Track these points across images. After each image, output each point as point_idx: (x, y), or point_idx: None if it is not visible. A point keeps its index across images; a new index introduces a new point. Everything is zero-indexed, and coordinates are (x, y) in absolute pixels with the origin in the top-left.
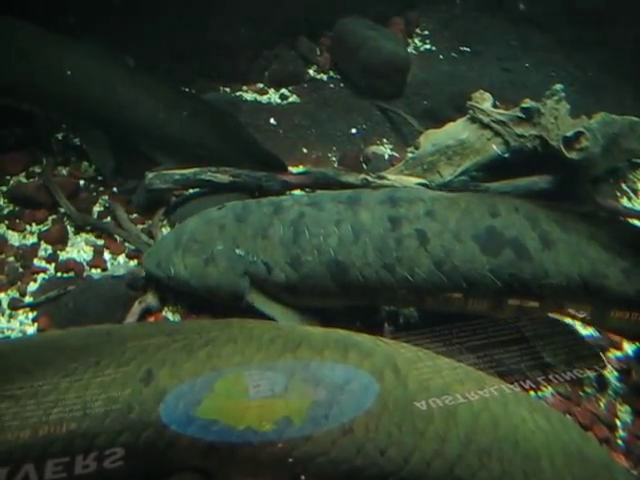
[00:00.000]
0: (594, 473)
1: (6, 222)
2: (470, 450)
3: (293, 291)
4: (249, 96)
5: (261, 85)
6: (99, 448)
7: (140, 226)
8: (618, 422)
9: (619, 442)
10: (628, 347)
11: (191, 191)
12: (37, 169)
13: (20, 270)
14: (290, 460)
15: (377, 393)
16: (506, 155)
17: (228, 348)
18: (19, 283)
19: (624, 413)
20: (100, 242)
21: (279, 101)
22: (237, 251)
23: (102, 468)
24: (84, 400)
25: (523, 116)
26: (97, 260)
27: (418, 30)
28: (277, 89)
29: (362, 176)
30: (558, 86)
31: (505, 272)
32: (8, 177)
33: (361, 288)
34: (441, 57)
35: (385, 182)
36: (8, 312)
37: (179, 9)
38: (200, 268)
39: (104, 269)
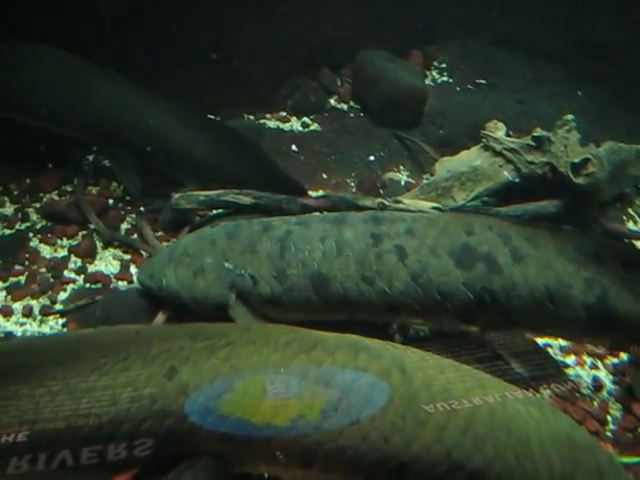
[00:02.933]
0: (580, 455)
1: (39, 236)
2: (467, 437)
3: (277, 304)
4: (272, 124)
5: (284, 113)
6: (125, 434)
7: (165, 243)
8: (609, 418)
9: (608, 434)
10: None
11: (215, 212)
12: (69, 188)
13: (51, 280)
14: (300, 447)
15: (384, 389)
16: (517, 181)
17: (247, 349)
18: (50, 292)
19: (616, 410)
20: (127, 257)
21: (301, 129)
22: (226, 264)
23: (127, 451)
24: (112, 391)
25: (534, 144)
26: (124, 273)
27: (436, 63)
28: (299, 117)
29: (379, 200)
30: (569, 116)
31: (477, 285)
32: (42, 195)
33: (342, 300)
34: (457, 89)
35: (401, 206)
36: (39, 318)
37: (207, 41)
38: (190, 280)
39: (130, 282)
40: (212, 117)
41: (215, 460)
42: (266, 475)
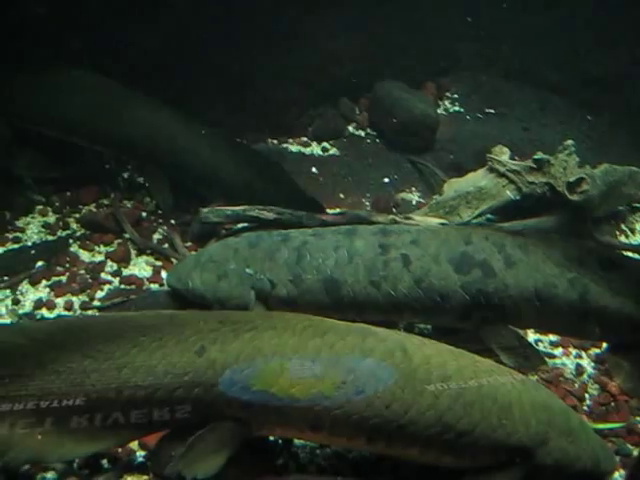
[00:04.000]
0: (554, 417)
1: (78, 243)
2: (458, 403)
3: (292, 305)
4: (294, 148)
5: (305, 139)
6: (158, 400)
7: (193, 253)
8: (587, 395)
9: (585, 408)
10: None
11: (240, 226)
12: (105, 201)
13: (89, 281)
14: (312, 414)
15: (387, 366)
16: (518, 199)
17: (268, 333)
18: (89, 290)
19: (594, 390)
20: (158, 263)
21: (321, 153)
22: (247, 270)
23: (160, 415)
24: (149, 364)
25: (535, 166)
26: (156, 277)
27: (448, 94)
28: (319, 143)
29: (391, 217)
30: (569, 142)
31: (473, 287)
32: (81, 206)
33: (351, 301)
34: (468, 118)
35: (411, 222)
36: (79, 312)
37: (237, 71)
38: (214, 282)
39: (161, 285)
40: (239, 140)
41: (236, 424)
42: (280, 440)
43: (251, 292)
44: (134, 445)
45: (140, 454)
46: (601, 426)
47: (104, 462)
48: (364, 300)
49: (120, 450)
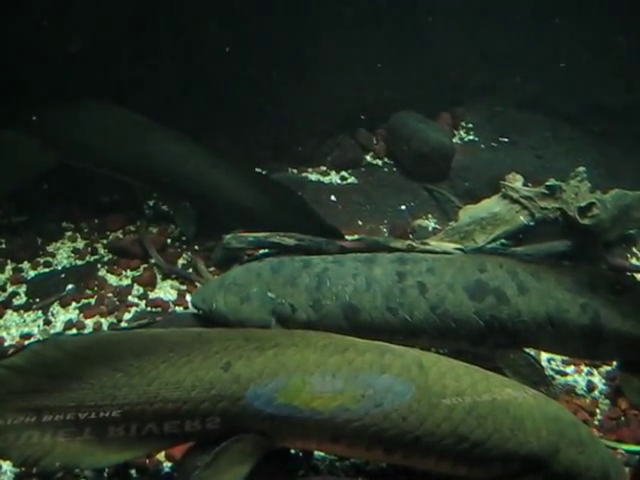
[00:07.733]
0: (564, 428)
1: (106, 267)
2: (471, 415)
3: (312, 329)
4: (313, 177)
5: (324, 168)
6: (185, 412)
7: (217, 276)
8: (598, 410)
9: (596, 422)
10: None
11: (261, 251)
12: (132, 228)
13: (117, 303)
14: (331, 426)
15: (403, 380)
16: (531, 224)
17: (291, 350)
18: (116, 312)
19: (604, 405)
20: (183, 287)
21: (339, 182)
22: (269, 294)
23: (187, 426)
24: (177, 378)
25: (547, 192)
26: (180, 300)
27: (463, 123)
28: (338, 172)
29: (408, 242)
30: (581, 168)
31: (487, 314)
32: (108, 233)
33: (368, 326)
34: (482, 146)
35: (427, 247)
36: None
37: (258, 104)
38: (237, 305)
39: (186, 307)
40: (260, 171)
41: (260, 436)
42: (300, 453)
43: (272, 316)
44: (161, 456)
45: (166, 465)
46: (625, 447)
47: (132, 472)
48: (381, 326)
49: (148, 461)
